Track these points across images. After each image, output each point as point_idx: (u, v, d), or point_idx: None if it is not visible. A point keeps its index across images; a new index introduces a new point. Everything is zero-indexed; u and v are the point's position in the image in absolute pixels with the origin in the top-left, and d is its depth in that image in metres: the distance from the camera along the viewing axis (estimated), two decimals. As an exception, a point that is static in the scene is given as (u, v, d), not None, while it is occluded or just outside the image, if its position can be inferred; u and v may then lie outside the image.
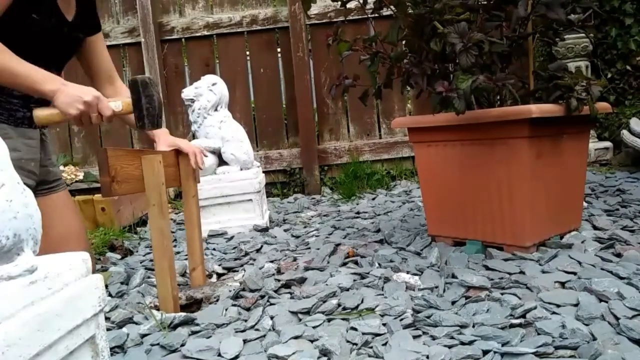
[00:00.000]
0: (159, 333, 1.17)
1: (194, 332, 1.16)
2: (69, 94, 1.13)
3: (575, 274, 1.28)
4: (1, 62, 1.08)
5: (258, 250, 1.91)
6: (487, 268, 1.39)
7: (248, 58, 3.61)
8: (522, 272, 1.33)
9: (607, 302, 1.09)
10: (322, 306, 1.23)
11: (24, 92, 1.18)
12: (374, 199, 2.88)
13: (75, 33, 1.32)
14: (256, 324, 1.18)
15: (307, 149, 3.45)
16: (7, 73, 1.10)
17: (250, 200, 2.33)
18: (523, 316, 1.07)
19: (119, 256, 2.00)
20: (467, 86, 1.36)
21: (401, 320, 1.12)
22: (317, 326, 1.13)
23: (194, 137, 2.55)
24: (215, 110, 2.42)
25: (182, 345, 1.10)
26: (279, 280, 1.44)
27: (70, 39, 1.31)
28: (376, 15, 1.70)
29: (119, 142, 3.57)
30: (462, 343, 0.99)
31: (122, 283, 1.57)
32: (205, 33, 3.50)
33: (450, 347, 0.98)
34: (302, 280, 1.45)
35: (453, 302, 1.21)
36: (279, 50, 3.57)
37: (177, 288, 1.36)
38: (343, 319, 1.17)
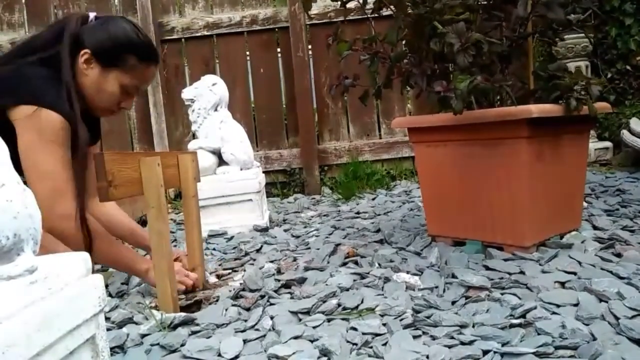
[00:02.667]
0: (159, 333, 1.17)
1: (194, 332, 1.16)
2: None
3: (575, 274, 1.28)
4: (110, 250, 1.36)
5: (258, 251, 1.91)
6: (487, 268, 1.39)
7: (248, 58, 3.61)
8: (522, 272, 1.33)
9: (607, 302, 1.09)
10: (322, 306, 1.23)
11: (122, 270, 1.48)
12: (374, 199, 2.88)
13: None
14: (256, 324, 1.18)
15: (307, 149, 3.45)
16: (112, 257, 1.38)
17: (250, 200, 2.33)
18: (523, 316, 1.07)
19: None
20: (464, 86, 1.36)
21: (401, 320, 1.12)
22: (317, 326, 1.13)
23: (194, 137, 2.55)
24: (215, 110, 2.42)
25: (182, 345, 1.10)
26: (279, 280, 1.44)
27: None
28: (376, 15, 1.70)
29: (120, 142, 3.57)
30: (462, 343, 0.99)
31: (122, 283, 1.57)
32: (205, 33, 3.51)
33: (450, 347, 0.98)
34: (302, 280, 1.45)
35: (453, 302, 1.21)
36: (279, 50, 3.57)
37: (177, 289, 1.36)
38: (343, 319, 1.17)
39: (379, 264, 1.53)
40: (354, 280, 1.40)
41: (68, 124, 1.28)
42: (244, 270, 1.66)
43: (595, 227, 1.69)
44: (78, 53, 1.34)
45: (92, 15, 1.39)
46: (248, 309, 1.29)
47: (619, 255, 1.40)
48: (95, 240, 1.30)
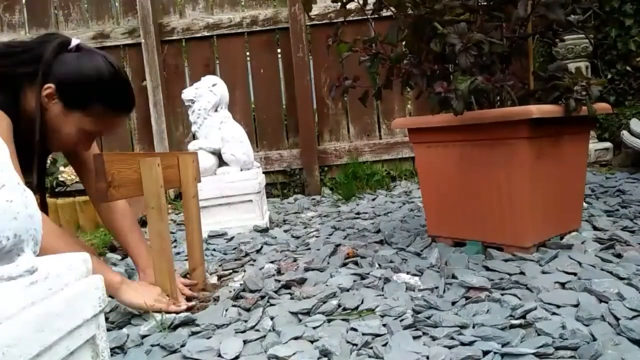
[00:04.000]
0: (159, 334, 1.17)
1: (194, 333, 1.16)
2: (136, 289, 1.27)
3: (575, 274, 1.28)
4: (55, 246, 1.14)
5: (258, 251, 1.91)
6: (487, 269, 1.39)
7: (248, 59, 3.61)
8: (522, 273, 1.33)
9: (607, 302, 1.09)
10: (322, 307, 1.23)
11: None
12: (374, 199, 2.88)
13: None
14: (256, 324, 1.18)
15: (307, 150, 3.45)
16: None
17: (251, 200, 2.33)
18: (523, 317, 1.07)
19: (119, 257, 2.00)
20: (465, 87, 1.36)
21: (401, 320, 1.11)
22: (317, 327, 1.13)
23: (194, 137, 2.55)
24: (216, 111, 2.42)
25: (182, 345, 1.10)
26: (279, 281, 1.44)
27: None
28: (376, 16, 1.70)
29: (120, 143, 3.58)
30: (462, 344, 0.99)
31: (122, 284, 1.57)
32: (206, 34, 3.51)
33: (450, 347, 0.98)
34: (302, 281, 1.45)
35: (453, 303, 1.21)
36: (279, 51, 3.57)
37: (177, 290, 1.36)
38: (343, 320, 1.17)
39: (379, 265, 1.53)
40: (354, 281, 1.40)
41: (6, 115, 1.15)
42: (244, 271, 1.66)
43: (595, 228, 1.69)
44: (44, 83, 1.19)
45: (74, 42, 1.23)
46: (248, 310, 1.29)
47: (619, 255, 1.40)
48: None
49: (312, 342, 1.06)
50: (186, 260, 1.63)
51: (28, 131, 1.20)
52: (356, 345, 1.03)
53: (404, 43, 1.70)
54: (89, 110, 1.22)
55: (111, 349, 1.09)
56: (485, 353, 0.95)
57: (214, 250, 2.00)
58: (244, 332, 1.15)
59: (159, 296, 1.28)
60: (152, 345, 1.12)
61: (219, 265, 1.76)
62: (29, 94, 1.20)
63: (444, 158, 1.65)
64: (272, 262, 1.71)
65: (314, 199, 3.22)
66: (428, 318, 1.11)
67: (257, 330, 1.15)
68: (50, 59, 1.19)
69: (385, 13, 1.71)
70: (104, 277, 1.19)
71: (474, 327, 1.06)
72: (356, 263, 1.59)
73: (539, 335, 1.00)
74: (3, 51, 1.21)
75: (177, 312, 1.27)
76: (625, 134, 2.89)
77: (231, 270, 1.69)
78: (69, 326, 0.59)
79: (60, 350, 0.57)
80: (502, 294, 1.20)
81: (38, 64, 1.18)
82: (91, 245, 2.02)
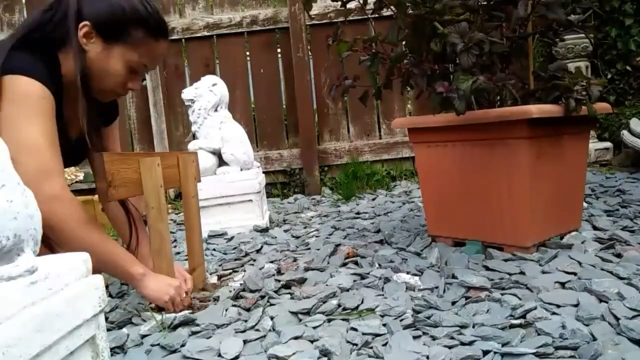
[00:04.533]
0: (159, 333, 1.17)
1: (194, 333, 1.16)
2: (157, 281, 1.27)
3: (575, 274, 1.28)
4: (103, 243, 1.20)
5: (258, 251, 1.91)
6: (487, 268, 1.39)
7: (248, 59, 3.61)
8: (522, 273, 1.33)
9: (607, 302, 1.09)
10: (322, 306, 1.23)
11: (110, 272, 1.30)
12: (374, 199, 2.88)
13: (78, 149, 1.34)
14: (256, 324, 1.18)
15: (307, 150, 3.45)
16: (102, 255, 1.19)
17: (251, 200, 2.33)
18: (523, 316, 1.07)
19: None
20: (467, 86, 1.36)
21: (401, 320, 1.12)
22: (317, 326, 1.14)
23: (194, 137, 2.55)
24: (215, 110, 2.42)
25: (182, 345, 1.10)
26: (279, 281, 1.44)
27: (75, 152, 1.35)
28: (376, 15, 1.70)
29: (120, 143, 3.56)
30: (462, 343, 0.99)
31: (122, 284, 1.57)
32: (206, 34, 3.51)
33: (450, 347, 0.98)
34: (302, 281, 1.45)
35: (453, 303, 1.21)
36: (279, 50, 3.57)
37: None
38: (343, 320, 1.17)
39: (379, 265, 1.53)
40: (354, 281, 1.40)
41: (50, 93, 1.14)
42: (244, 271, 1.66)
43: (595, 228, 1.69)
44: (77, 27, 1.17)
45: None
46: (248, 310, 1.29)
47: (619, 255, 1.40)
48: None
49: (312, 342, 1.06)
50: (186, 260, 1.63)
51: (74, 93, 1.20)
52: (356, 345, 1.03)
53: (404, 43, 1.70)
54: (130, 40, 1.21)
55: (111, 349, 1.09)
56: (485, 353, 0.95)
57: (214, 250, 2.00)
58: (244, 332, 1.15)
59: (177, 288, 1.29)
60: (152, 345, 1.12)
61: (219, 265, 1.76)
62: (69, 53, 1.19)
63: (444, 158, 1.65)
64: (272, 262, 1.71)
65: (314, 198, 3.22)
66: (428, 318, 1.11)
67: (257, 330, 1.15)
68: (75, 2, 1.17)
69: (385, 13, 1.71)
70: (126, 269, 1.23)
71: (474, 326, 1.06)
72: (356, 263, 1.59)
73: (539, 335, 1.00)
74: (38, 20, 1.20)
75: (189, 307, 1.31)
76: (625, 133, 2.89)
77: (231, 270, 1.69)
78: (69, 326, 0.59)
79: (60, 350, 0.57)
80: (502, 294, 1.20)
81: (66, 18, 1.17)
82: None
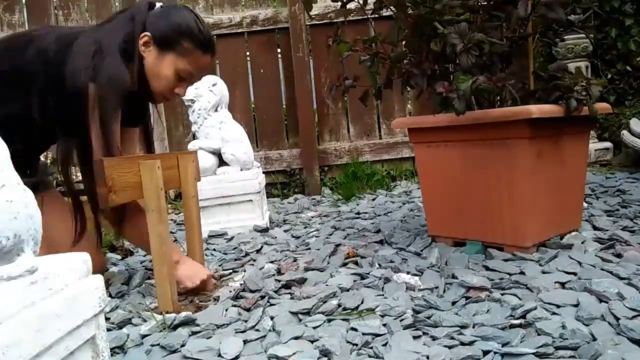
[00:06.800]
0: (159, 333, 1.17)
1: (194, 333, 1.17)
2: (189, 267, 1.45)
3: (575, 274, 1.28)
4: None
5: (258, 251, 1.91)
6: (487, 268, 1.39)
7: (248, 58, 3.61)
8: (522, 273, 1.33)
9: (607, 302, 1.09)
10: (322, 307, 1.23)
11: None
12: (374, 199, 2.88)
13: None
14: (256, 324, 1.18)
15: (307, 150, 3.45)
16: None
17: (251, 200, 2.33)
18: (523, 317, 1.07)
19: (119, 256, 2.00)
20: (467, 87, 1.36)
21: (401, 320, 1.12)
22: (317, 326, 1.13)
23: (194, 137, 2.55)
24: (216, 110, 2.42)
25: (183, 345, 1.10)
26: (279, 281, 1.44)
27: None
28: (376, 15, 1.70)
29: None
30: (462, 343, 0.99)
31: (122, 284, 1.57)
32: (206, 34, 3.50)
33: (450, 347, 0.98)
34: (302, 281, 1.45)
35: (453, 303, 1.21)
36: (279, 50, 3.57)
37: (177, 292, 1.36)
38: (343, 320, 1.17)
39: (379, 265, 1.53)
40: (354, 281, 1.40)
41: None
42: (244, 271, 1.66)
43: (595, 228, 1.69)
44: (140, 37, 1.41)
45: (158, 4, 1.47)
46: (248, 310, 1.29)
47: (619, 255, 1.40)
48: (140, 215, 1.35)
49: (312, 342, 1.06)
50: (186, 260, 1.63)
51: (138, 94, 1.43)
52: (356, 345, 1.03)
53: (404, 43, 1.70)
54: (180, 49, 1.42)
55: (111, 349, 1.09)
56: (485, 353, 0.95)
57: (214, 250, 2.00)
58: (244, 332, 1.15)
59: (204, 281, 1.44)
60: (152, 345, 1.12)
61: (219, 265, 1.76)
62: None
63: (444, 158, 1.65)
64: (272, 262, 1.71)
65: (314, 198, 3.22)
66: (428, 318, 1.11)
67: (257, 330, 1.15)
68: (143, 16, 1.42)
69: (385, 13, 1.71)
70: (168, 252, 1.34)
71: (474, 327, 1.06)
72: (356, 263, 1.59)
73: (539, 335, 1.00)
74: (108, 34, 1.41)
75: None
76: (625, 133, 2.89)
77: (231, 270, 1.69)
78: (69, 326, 0.59)
79: (60, 351, 0.57)
80: (502, 294, 1.20)
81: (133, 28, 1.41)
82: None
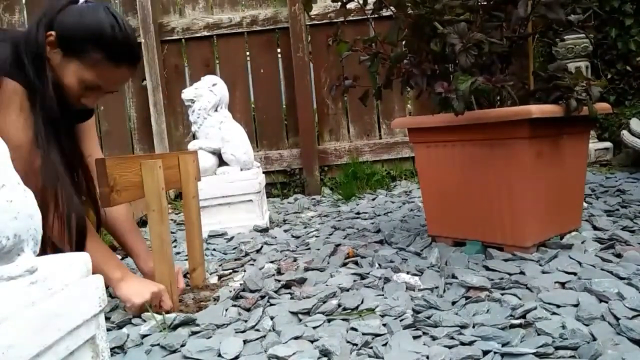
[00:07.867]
0: (159, 333, 1.17)
1: (194, 333, 1.16)
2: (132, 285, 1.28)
3: (575, 274, 1.28)
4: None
5: (258, 251, 1.91)
6: (487, 268, 1.39)
7: (248, 59, 3.61)
8: (522, 273, 1.33)
9: (607, 302, 1.09)
10: (322, 306, 1.23)
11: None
12: (374, 199, 2.88)
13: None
14: (256, 324, 1.18)
15: (307, 150, 3.45)
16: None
17: (251, 200, 2.33)
18: (523, 316, 1.08)
19: (119, 257, 2.00)
20: (466, 87, 1.35)
21: (401, 320, 1.12)
22: (317, 326, 1.14)
23: (194, 137, 2.55)
24: (215, 110, 2.42)
25: (183, 345, 1.10)
26: (279, 281, 1.44)
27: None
28: (376, 16, 1.70)
29: (120, 143, 3.57)
30: (462, 343, 0.99)
31: (122, 283, 1.57)
32: (206, 34, 3.51)
33: (450, 347, 0.98)
34: (302, 281, 1.45)
35: (453, 303, 1.21)
36: (279, 50, 3.57)
37: (177, 292, 1.36)
38: (343, 320, 1.17)
39: (379, 265, 1.53)
40: (354, 281, 1.40)
41: (21, 87, 1.17)
42: (244, 271, 1.66)
43: (595, 228, 1.69)
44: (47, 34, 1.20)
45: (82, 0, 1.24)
46: (248, 310, 1.29)
47: (619, 255, 1.40)
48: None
49: (312, 342, 1.06)
50: (186, 260, 1.63)
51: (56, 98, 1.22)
52: (356, 345, 1.03)
53: (404, 43, 1.70)
54: (85, 59, 1.20)
55: (111, 349, 1.09)
56: (485, 353, 0.95)
57: (214, 250, 2.00)
58: (244, 332, 1.15)
59: (155, 293, 1.27)
60: (152, 345, 1.12)
61: (219, 265, 1.76)
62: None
63: (444, 158, 1.65)
64: (272, 262, 1.71)
65: (314, 198, 3.22)
66: (428, 318, 1.11)
67: (257, 330, 1.15)
68: (55, 11, 1.19)
69: (385, 13, 1.71)
70: (105, 271, 1.22)
71: (474, 326, 1.06)
72: (356, 263, 1.59)
73: (539, 335, 1.00)
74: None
75: (166, 312, 1.27)
76: (625, 133, 2.89)
77: (231, 270, 1.69)
78: (69, 326, 0.59)
79: (60, 351, 0.57)
80: (502, 294, 1.21)
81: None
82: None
